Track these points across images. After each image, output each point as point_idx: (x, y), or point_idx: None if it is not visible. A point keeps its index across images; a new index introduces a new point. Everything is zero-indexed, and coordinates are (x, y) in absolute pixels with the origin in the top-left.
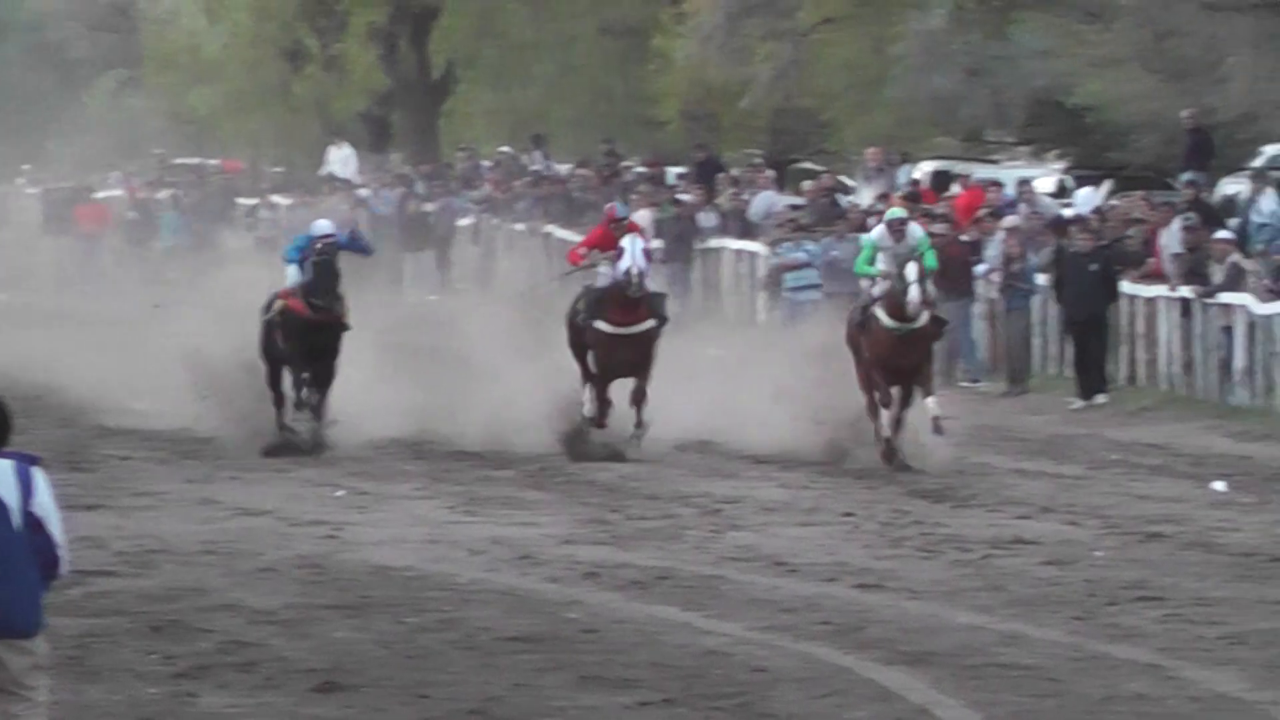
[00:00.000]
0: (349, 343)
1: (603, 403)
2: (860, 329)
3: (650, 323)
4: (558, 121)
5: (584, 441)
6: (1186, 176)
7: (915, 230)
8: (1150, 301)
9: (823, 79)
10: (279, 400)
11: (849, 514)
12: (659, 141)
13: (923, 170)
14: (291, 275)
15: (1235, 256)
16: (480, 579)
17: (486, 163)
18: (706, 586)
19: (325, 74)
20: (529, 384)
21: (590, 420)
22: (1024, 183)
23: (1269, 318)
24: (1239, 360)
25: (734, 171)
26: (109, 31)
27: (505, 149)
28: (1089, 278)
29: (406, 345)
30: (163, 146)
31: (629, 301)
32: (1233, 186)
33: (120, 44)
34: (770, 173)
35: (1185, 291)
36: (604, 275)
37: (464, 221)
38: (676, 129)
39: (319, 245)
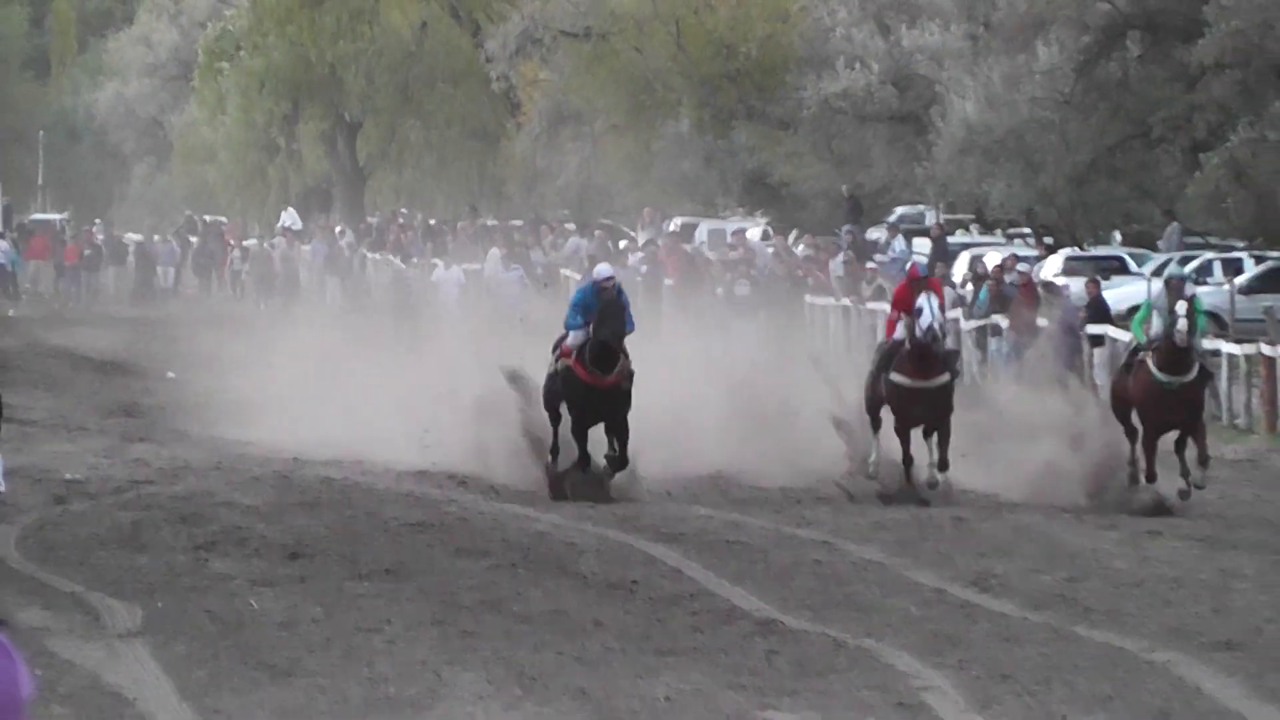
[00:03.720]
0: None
1: (906, 456)
2: (1126, 371)
3: (945, 377)
4: (437, 194)
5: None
6: (845, 228)
7: (1189, 290)
8: (823, 308)
9: (610, 165)
10: (555, 447)
11: None
12: (505, 206)
13: (675, 223)
14: (574, 337)
15: (879, 279)
16: (391, 487)
17: (400, 220)
18: (538, 493)
19: (288, 163)
20: None
21: (872, 473)
22: (738, 231)
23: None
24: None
25: (553, 224)
26: (148, 135)
27: (404, 210)
28: (784, 292)
29: None
30: (189, 209)
31: (924, 356)
32: (875, 234)
33: (156, 143)
34: (572, 225)
35: (846, 302)
36: (900, 332)
37: (374, 256)
38: (516, 198)
39: (604, 286)
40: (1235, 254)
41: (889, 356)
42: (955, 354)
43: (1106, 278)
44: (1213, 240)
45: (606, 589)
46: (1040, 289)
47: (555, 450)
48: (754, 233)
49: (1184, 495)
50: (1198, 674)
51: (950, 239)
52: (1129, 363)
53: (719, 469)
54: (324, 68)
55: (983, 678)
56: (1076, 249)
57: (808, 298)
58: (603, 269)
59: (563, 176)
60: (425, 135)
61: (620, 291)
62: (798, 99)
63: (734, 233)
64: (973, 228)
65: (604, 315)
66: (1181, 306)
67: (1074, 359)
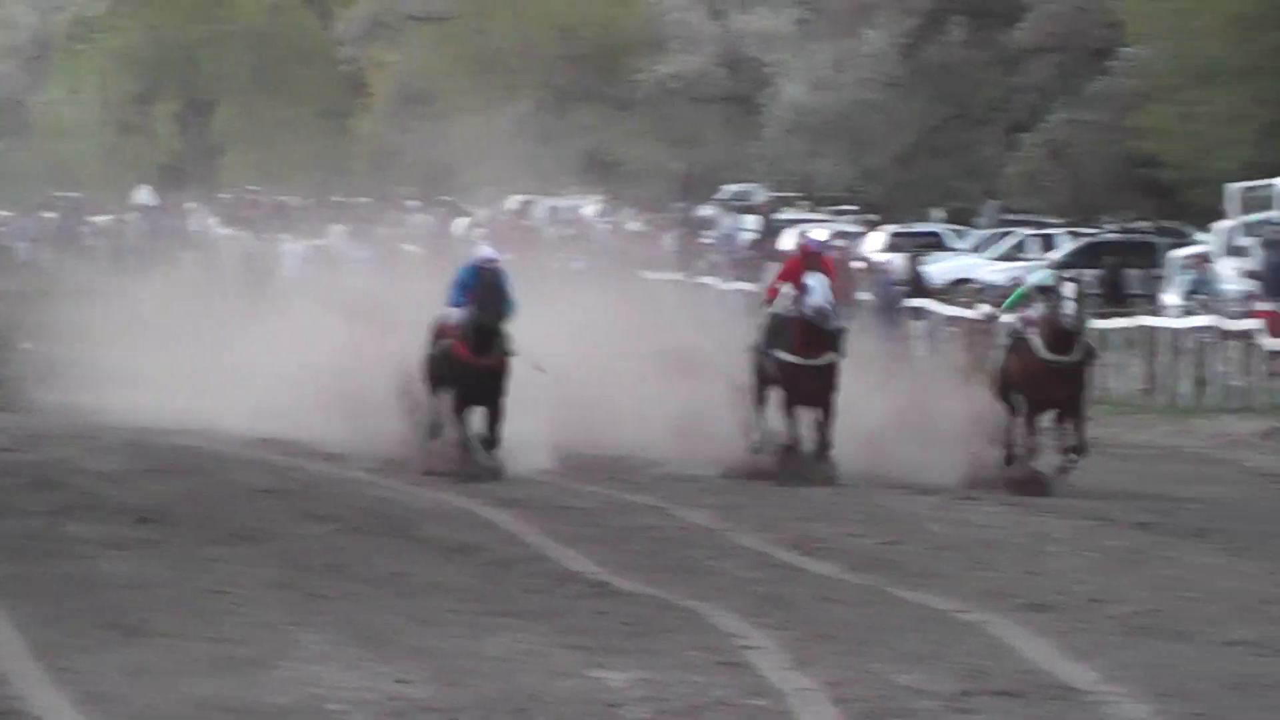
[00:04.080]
0: None
1: (792, 435)
2: (1012, 352)
3: (831, 356)
4: (290, 170)
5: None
6: (679, 205)
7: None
8: (657, 282)
9: (455, 144)
10: (436, 425)
11: None
12: (353, 183)
13: (515, 200)
14: (456, 317)
15: (714, 255)
16: (239, 454)
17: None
18: (381, 458)
19: (144, 140)
20: None
21: (758, 449)
22: (576, 208)
23: (726, 293)
24: (712, 317)
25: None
26: (10, 114)
27: (255, 187)
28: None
29: None
30: (48, 186)
31: (811, 334)
32: (706, 210)
33: (17, 121)
34: (415, 202)
35: (678, 276)
36: (784, 302)
37: (225, 231)
38: (363, 175)
39: (485, 268)
40: (1050, 230)
41: (776, 334)
42: (843, 333)
43: (926, 253)
44: (1030, 217)
45: (445, 552)
46: (860, 263)
47: (437, 428)
48: (590, 209)
49: (1062, 471)
50: (1011, 634)
51: (778, 215)
52: (1013, 345)
53: (559, 437)
54: (179, 48)
55: (804, 637)
56: (899, 225)
57: (642, 272)
58: (485, 251)
59: (408, 155)
60: (276, 114)
61: (501, 274)
62: (634, 80)
63: (569, 209)
64: (800, 205)
65: (484, 296)
66: (1070, 289)
67: (893, 331)
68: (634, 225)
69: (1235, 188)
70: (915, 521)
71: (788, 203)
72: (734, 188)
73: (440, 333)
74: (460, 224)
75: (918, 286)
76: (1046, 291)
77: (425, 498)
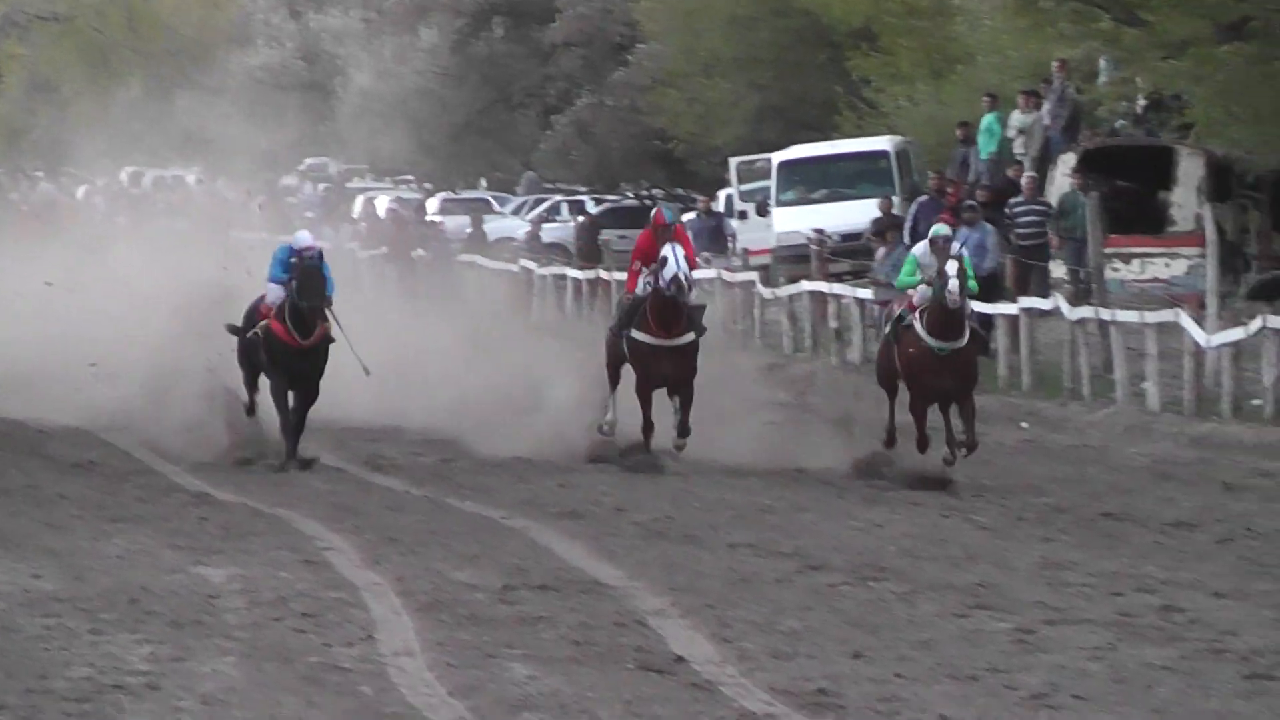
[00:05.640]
0: None
1: (647, 420)
2: (893, 338)
3: (690, 336)
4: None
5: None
6: (266, 175)
7: (956, 248)
8: (248, 241)
9: (75, 124)
10: (252, 406)
11: None
12: None
13: (127, 171)
14: (273, 293)
15: (296, 217)
16: None
17: None
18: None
19: None
20: None
21: (606, 429)
22: (177, 177)
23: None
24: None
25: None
26: None
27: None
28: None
29: None
30: None
31: (669, 310)
32: (288, 180)
33: None
34: (41, 174)
35: (265, 235)
36: (639, 287)
37: None
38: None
39: (304, 254)
40: (579, 197)
41: (631, 313)
42: (700, 309)
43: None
44: (561, 186)
45: (70, 468)
46: (417, 225)
47: (252, 409)
48: (191, 179)
49: (947, 461)
50: (548, 537)
51: (349, 184)
52: (894, 329)
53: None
54: None
55: (374, 540)
56: (451, 192)
57: (235, 232)
58: (303, 236)
59: (35, 134)
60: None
61: (320, 259)
62: (226, 70)
63: (173, 178)
64: (367, 175)
65: (302, 283)
66: (952, 266)
67: (448, 281)
68: (228, 192)
69: (735, 161)
70: (465, 443)
71: (356, 173)
72: (311, 160)
73: (259, 315)
74: (80, 191)
75: (482, 243)
76: (937, 246)
77: (52, 423)
